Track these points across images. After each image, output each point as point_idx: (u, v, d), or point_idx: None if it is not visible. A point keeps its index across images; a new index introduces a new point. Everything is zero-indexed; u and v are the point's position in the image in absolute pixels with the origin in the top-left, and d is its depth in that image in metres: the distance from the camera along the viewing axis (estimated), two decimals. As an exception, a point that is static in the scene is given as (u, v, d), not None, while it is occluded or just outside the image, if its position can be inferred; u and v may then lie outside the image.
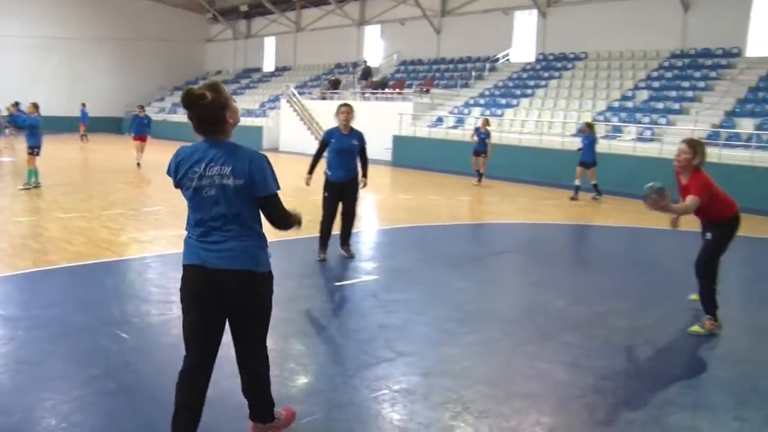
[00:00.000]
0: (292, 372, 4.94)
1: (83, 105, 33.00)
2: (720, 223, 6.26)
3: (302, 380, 4.82)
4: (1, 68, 38.33)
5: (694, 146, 6.15)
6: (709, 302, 6.22)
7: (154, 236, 9.71)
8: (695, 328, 6.25)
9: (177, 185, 3.56)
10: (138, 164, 19.99)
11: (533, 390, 4.73)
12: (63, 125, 39.63)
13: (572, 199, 16.66)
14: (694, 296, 6.72)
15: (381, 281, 7.79)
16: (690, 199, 5.97)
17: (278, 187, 3.51)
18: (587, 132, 17.16)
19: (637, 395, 4.67)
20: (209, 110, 3.39)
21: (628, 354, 5.59)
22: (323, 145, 8.70)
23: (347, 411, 4.27)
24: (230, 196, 3.40)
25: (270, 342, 5.56)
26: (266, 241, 3.62)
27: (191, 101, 3.36)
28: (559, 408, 4.46)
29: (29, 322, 5.74)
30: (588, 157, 16.85)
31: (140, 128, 20.45)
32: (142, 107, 21.39)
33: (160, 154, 18.72)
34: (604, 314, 6.72)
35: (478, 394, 4.59)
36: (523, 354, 5.51)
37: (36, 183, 14.19)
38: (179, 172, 3.51)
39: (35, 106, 14.33)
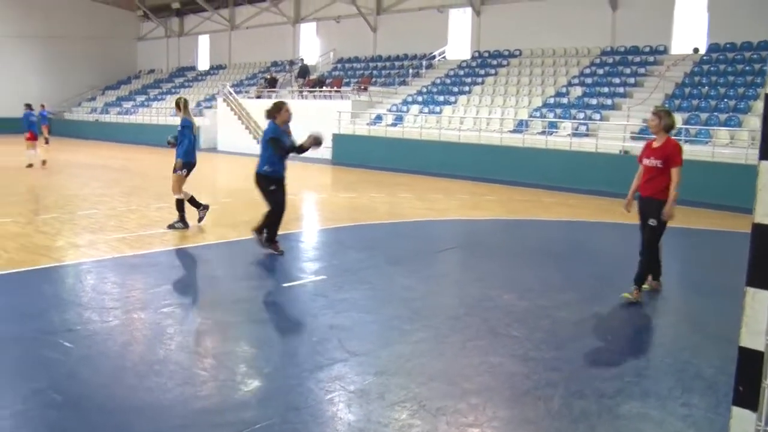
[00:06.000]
0: (245, 375, 4.86)
1: (42, 106, 30.88)
2: (665, 202, 6.92)
3: (255, 384, 4.74)
4: None
5: (658, 112, 7.11)
6: (646, 275, 7.27)
7: (92, 240, 9.43)
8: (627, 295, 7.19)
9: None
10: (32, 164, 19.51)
11: (487, 385, 4.76)
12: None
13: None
14: (645, 286, 7.38)
15: (328, 281, 7.73)
16: (675, 173, 6.88)
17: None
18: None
19: (589, 386, 4.75)
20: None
21: (577, 345, 5.68)
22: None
23: (304, 413, 4.22)
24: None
25: (220, 345, 5.53)
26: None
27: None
28: (515, 402, 4.50)
29: (-36, 334, 5.50)
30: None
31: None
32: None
33: (88, 156, 18.24)
34: (549, 307, 6.82)
35: (434, 391, 4.60)
36: (474, 349, 5.55)
37: None
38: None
39: None
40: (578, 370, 5.09)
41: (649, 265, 7.23)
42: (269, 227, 8.79)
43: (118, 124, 37.87)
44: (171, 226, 10.43)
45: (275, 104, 8.88)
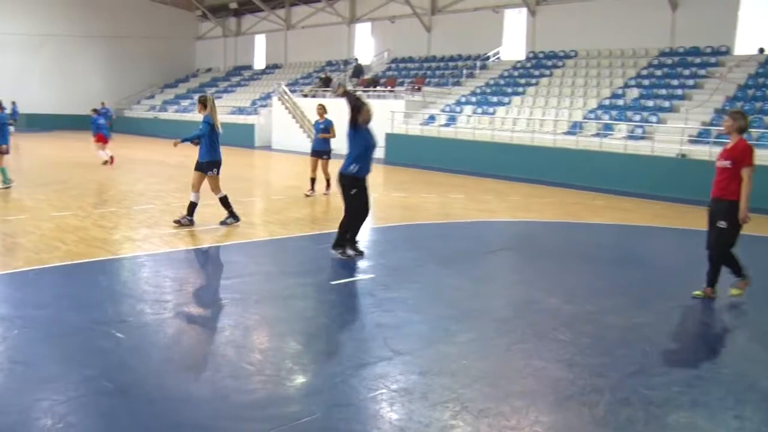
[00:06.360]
0: (290, 371, 4.92)
1: (102, 104, 31.55)
2: (734, 202, 6.87)
3: (300, 379, 4.81)
4: (-11, 65, 38.27)
5: (732, 114, 7.13)
6: (738, 267, 7.18)
7: (147, 234, 9.65)
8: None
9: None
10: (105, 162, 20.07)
11: (531, 388, 4.73)
12: (53, 123, 39.46)
13: (307, 195, 14.41)
14: (697, 292, 7.26)
15: (377, 280, 7.76)
16: (746, 173, 6.81)
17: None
18: (324, 117, 14.68)
19: (636, 393, 4.67)
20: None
21: (624, 352, 5.58)
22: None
23: (346, 410, 4.26)
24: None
25: (266, 340, 5.61)
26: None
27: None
28: (558, 406, 4.46)
29: (23, 322, 5.69)
30: (321, 146, 14.77)
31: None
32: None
33: (146, 152, 18.78)
34: (597, 312, 6.72)
35: (477, 393, 4.58)
36: (519, 352, 5.51)
37: (5, 182, 13.76)
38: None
39: None
40: (625, 377, 5.00)
41: (728, 262, 7.17)
42: (351, 231, 8.67)
43: (175, 121, 38.65)
44: (223, 223, 10.56)
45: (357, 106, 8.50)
